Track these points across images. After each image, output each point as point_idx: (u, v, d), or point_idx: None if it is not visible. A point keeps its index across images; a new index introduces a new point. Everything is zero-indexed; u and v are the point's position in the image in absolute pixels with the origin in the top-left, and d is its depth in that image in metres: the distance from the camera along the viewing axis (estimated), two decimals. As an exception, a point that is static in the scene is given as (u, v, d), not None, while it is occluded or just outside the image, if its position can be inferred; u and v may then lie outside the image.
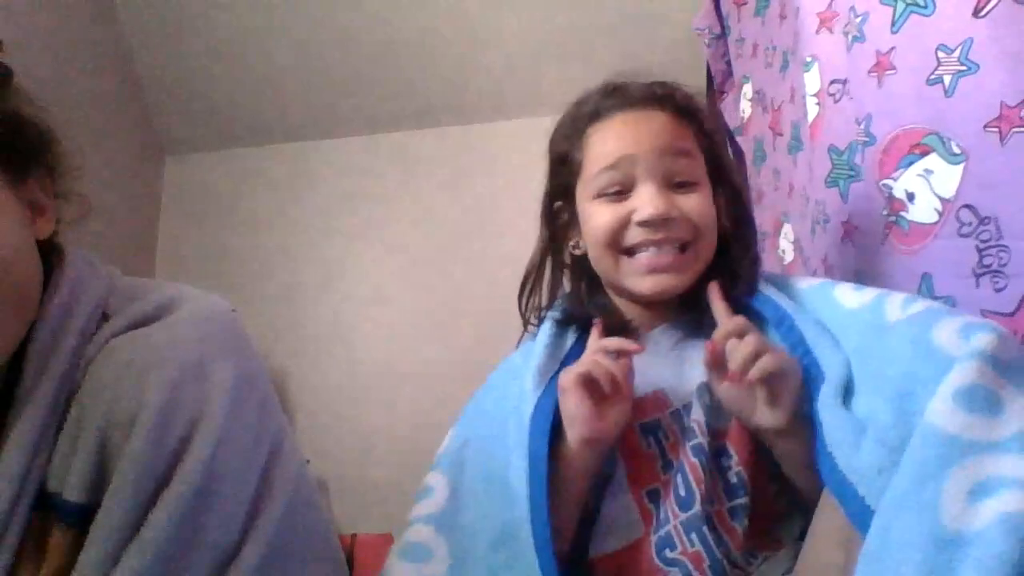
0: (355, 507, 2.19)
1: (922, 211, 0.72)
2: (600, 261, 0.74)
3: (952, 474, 0.44)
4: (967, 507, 0.42)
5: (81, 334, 0.58)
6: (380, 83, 2.49)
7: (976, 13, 0.67)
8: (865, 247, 0.83)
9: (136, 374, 0.54)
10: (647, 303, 0.74)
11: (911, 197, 0.73)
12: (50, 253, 0.62)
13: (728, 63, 1.64)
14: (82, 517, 0.52)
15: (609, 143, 0.73)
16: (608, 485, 0.67)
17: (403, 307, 2.45)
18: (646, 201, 0.69)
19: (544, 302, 0.81)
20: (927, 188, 0.71)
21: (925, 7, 0.72)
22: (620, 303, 0.76)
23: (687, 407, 0.68)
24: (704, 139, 0.75)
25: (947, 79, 0.69)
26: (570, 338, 0.77)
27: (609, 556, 0.65)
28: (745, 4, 1.43)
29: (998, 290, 0.63)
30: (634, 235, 0.70)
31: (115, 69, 2.39)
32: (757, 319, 0.69)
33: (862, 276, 0.84)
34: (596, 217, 0.72)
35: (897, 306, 0.59)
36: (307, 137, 2.64)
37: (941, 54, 0.70)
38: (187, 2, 2.33)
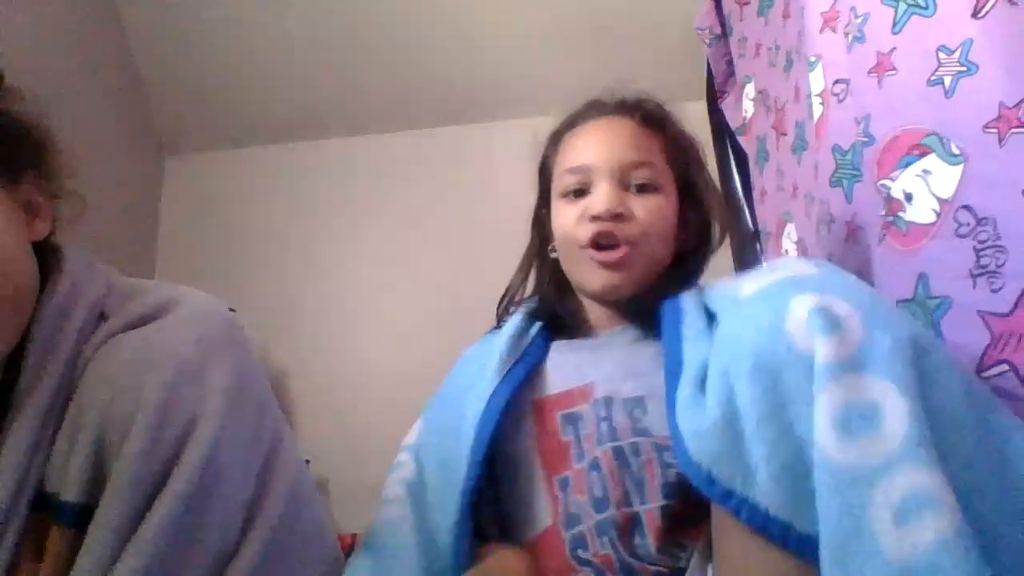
0: (355, 507, 2.19)
1: (920, 212, 0.71)
2: (564, 258, 0.80)
3: (871, 506, 0.43)
4: (902, 535, 0.42)
5: (79, 334, 0.58)
6: (381, 83, 2.49)
7: (975, 14, 0.67)
8: (866, 247, 0.83)
9: (133, 374, 0.54)
10: (604, 302, 0.78)
11: (909, 197, 0.73)
12: (48, 253, 0.62)
13: (729, 63, 1.64)
14: (80, 517, 0.52)
15: (575, 150, 0.79)
16: (523, 474, 0.69)
17: (403, 306, 2.45)
18: (598, 198, 0.74)
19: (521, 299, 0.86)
20: (925, 189, 0.71)
21: (926, 8, 0.72)
22: (586, 303, 0.80)
23: (608, 400, 0.68)
24: (673, 151, 0.80)
25: (947, 80, 0.69)
26: (533, 331, 0.80)
27: (528, 543, 0.67)
28: (747, 4, 1.43)
29: (994, 290, 0.63)
30: (586, 229, 0.74)
31: (115, 69, 2.39)
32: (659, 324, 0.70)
33: (862, 276, 0.84)
34: (560, 215, 0.79)
35: (753, 280, 0.59)
36: (307, 137, 2.64)
37: (942, 55, 0.70)
38: (187, 2, 2.33)
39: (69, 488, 0.53)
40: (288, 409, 2.35)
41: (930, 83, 0.71)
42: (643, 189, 0.75)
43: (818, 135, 0.96)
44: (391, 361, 2.39)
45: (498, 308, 0.87)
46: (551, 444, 0.69)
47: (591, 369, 0.72)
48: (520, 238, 0.90)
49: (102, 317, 0.60)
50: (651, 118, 0.80)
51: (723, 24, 1.63)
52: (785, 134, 1.22)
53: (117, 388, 0.53)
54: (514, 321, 0.81)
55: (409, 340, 2.40)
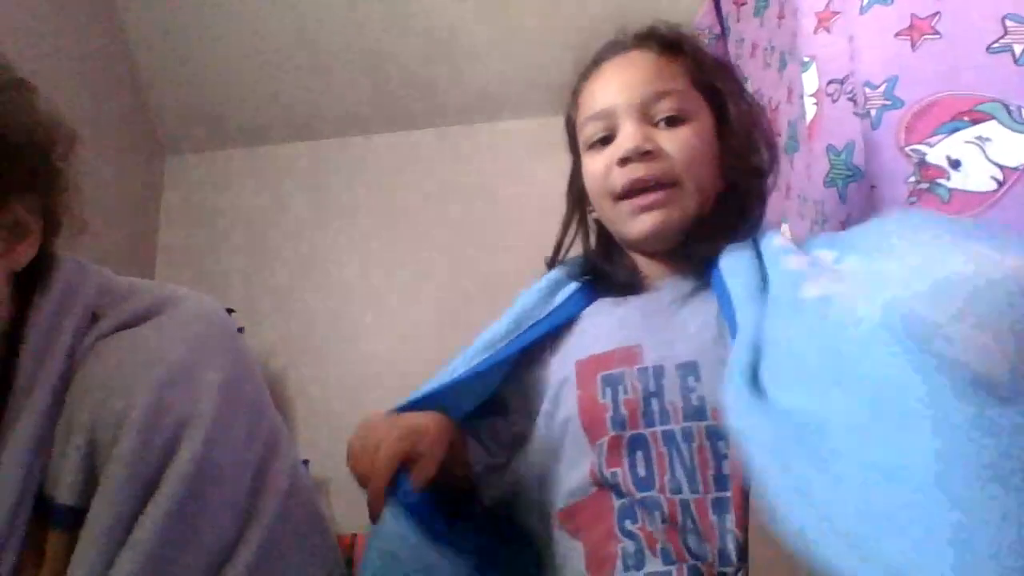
0: (355, 507, 2.19)
1: (972, 179, 0.70)
2: (601, 212, 0.75)
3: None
4: None
5: (73, 338, 0.57)
6: (381, 83, 2.49)
7: None
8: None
9: (125, 374, 0.54)
10: (653, 253, 0.73)
11: (955, 164, 0.71)
12: (39, 259, 0.60)
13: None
14: (74, 520, 0.52)
15: (593, 96, 0.74)
16: (569, 440, 0.66)
17: (404, 306, 2.46)
18: (623, 138, 0.69)
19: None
20: (981, 155, 0.69)
21: None
22: (636, 258, 0.76)
23: (658, 370, 0.64)
24: (699, 73, 0.73)
25: (1017, 48, 0.69)
26: (566, 292, 0.76)
27: (568, 510, 0.65)
28: (744, 4, 1.43)
29: None
30: (617, 177, 0.69)
31: (115, 69, 2.39)
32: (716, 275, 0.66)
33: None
34: (589, 167, 0.73)
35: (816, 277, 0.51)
36: (307, 137, 2.64)
37: (1009, 23, 0.69)
38: (187, 2, 2.33)
39: (63, 491, 0.52)
40: (288, 409, 2.35)
41: (992, 51, 0.70)
42: (672, 122, 0.69)
43: (810, 135, 0.96)
44: (392, 361, 2.39)
45: (549, 268, 0.82)
46: (589, 407, 0.66)
47: (638, 329, 0.68)
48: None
49: (95, 317, 0.59)
50: (669, 43, 0.75)
51: (722, 24, 1.63)
52: (779, 135, 1.22)
53: (109, 388, 0.53)
54: (549, 276, 0.78)
55: (409, 340, 2.41)
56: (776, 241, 0.64)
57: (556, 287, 0.78)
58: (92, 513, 0.51)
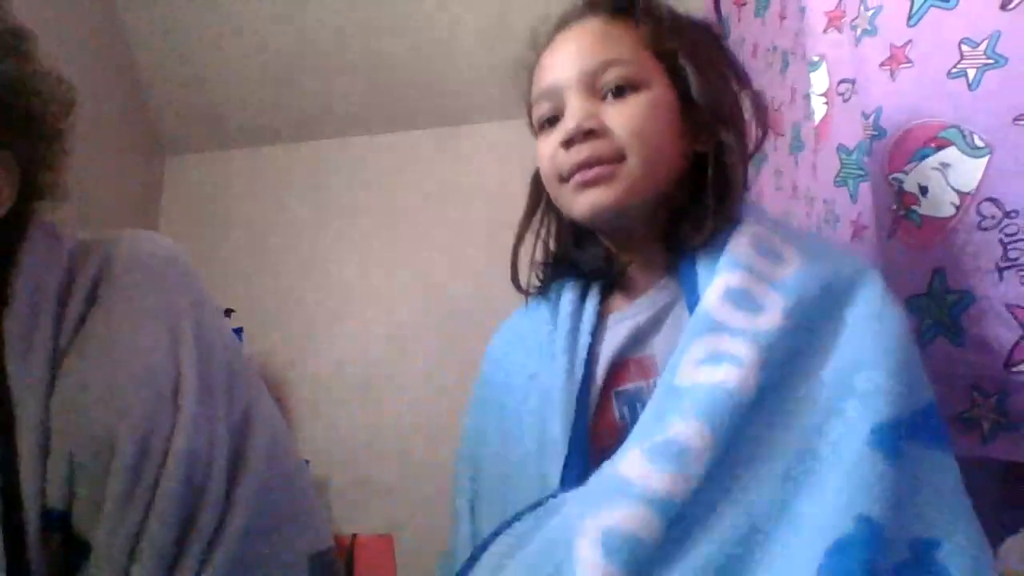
0: (355, 507, 2.19)
1: (937, 205, 0.71)
2: (553, 197, 0.70)
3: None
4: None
5: (53, 330, 0.56)
6: (381, 83, 2.49)
7: (1004, 6, 0.67)
8: (873, 244, 0.83)
9: (98, 398, 0.53)
10: (625, 241, 0.69)
11: (924, 191, 0.73)
12: (11, 230, 0.59)
13: (728, 64, 1.64)
14: (61, 522, 0.52)
15: (540, 74, 0.69)
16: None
17: (404, 306, 2.45)
18: (567, 118, 0.64)
19: (543, 259, 0.76)
20: (942, 181, 0.70)
21: (947, 0, 0.72)
22: (615, 248, 0.71)
23: None
24: (658, 36, 0.66)
25: (971, 72, 0.69)
26: (590, 304, 0.69)
27: None
28: (745, 4, 1.43)
29: None
30: (563, 159, 0.64)
31: (115, 69, 2.39)
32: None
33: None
34: (539, 151, 0.69)
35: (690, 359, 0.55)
36: (307, 137, 2.64)
37: (965, 48, 0.70)
38: (187, 2, 2.33)
39: (53, 496, 0.52)
40: (288, 409, 2.35)
41: (951, 76, 0.70)
42: (620, 93, 0.63)
43: (820, 135, 0.96)
44: (392, 361, 2.39)
45: (512, 274, 0.75)
46: (605, 426, 0.61)
47: (641, 337, 0.64)
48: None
49: (65, 297, 0.58)
50: (618, 7, 0.68)
51: (722, 26, 1.63)
52: (782, 135, 1.22)
53: (89, 412, 0.53)
54: (567, 297, 0.71)
55: (410, 340, 2.41)
56: (739, 245, 0.61)
57: (578, 309, 0.70)
58: (104, 531, 0.51)
